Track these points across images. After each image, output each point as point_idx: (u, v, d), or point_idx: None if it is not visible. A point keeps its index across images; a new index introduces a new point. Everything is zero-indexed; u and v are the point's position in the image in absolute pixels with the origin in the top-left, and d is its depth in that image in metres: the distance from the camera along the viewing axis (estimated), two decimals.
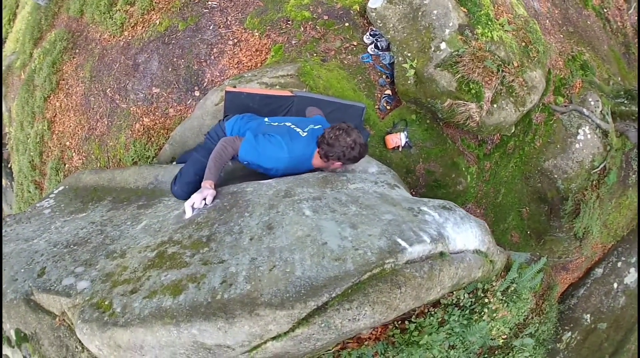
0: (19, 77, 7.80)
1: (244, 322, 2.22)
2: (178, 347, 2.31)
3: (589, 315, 7.24)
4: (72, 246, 3.42)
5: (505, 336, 3.54)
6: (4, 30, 8.93)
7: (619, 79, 8.09)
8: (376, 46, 5.98)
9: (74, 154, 6.83)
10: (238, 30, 6.21)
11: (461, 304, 3.10)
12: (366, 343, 2.82)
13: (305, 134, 3.70)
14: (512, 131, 6.25)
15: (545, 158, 6.67)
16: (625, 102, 7.18)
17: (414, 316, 2.93)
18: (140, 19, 6.63)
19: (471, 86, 5.41)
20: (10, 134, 8.16)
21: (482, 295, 3.25)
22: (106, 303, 2.55)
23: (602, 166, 6.70)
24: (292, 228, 2.79)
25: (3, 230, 4.04)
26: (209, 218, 3.10)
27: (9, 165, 8.21)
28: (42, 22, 7.77)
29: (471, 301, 3.17)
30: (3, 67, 8.30)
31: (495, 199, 6.75)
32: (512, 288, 3.58)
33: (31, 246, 3.56)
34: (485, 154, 6.50)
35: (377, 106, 5.91)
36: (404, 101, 5.92)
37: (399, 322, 2.93)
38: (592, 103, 6.81)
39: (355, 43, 6.02)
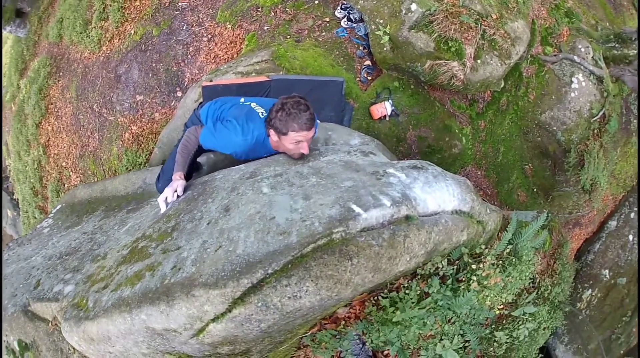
0: (11, 109, 7.73)
1: (182, 303, 2.07)
2: (136, 334, 2.24)
3: (607, 270, 6.73)
4: (64, 256, 3.49)
5: (502, 306, 3.03)
6: None
7: (607, 24, 7.50)
8: (349, 19, 5.62)
9: (71, 173, 6.76)
10: (211, 25, 6.02)
11: (441, 273, 2.60)
12: (343, 323, 2.44)
13: (265, 115, 3.26)
14: (502, 85, 5.77)
15: (542, 111, 6.13)
16: (616, 46, 6.63)
17: (385, 290, 2.47)
18: (116, 32, 6.48)
19: (450, 44, 4.97)
20: (10, 166, 8.13)
21: (471, 261, 2.73)
22: (84, 301, 2.54)
23: (601, 113, 6.16)
24: (246, 207, 2.44)
25: (6, 255, 4.16)
26: (178, 210, 2.90)
27: (14, 196, 8.13)
28: (25, 53, 7.71)
29: (454, 269, 2.66)
30: None
31: (495, 159, 6.25)
32: (509, 250, 3.10)
33: (29, 263, 3.65)
34: (477, 114, 6.03)
35: (358, 79, 5.57)
36: (384, 69, 5.54)
37: (375, 298, 2.50)
38: (582, 50, 6.28)
39: (327, 19, 5.70)
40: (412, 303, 2.38)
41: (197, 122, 3.65)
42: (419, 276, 2.52)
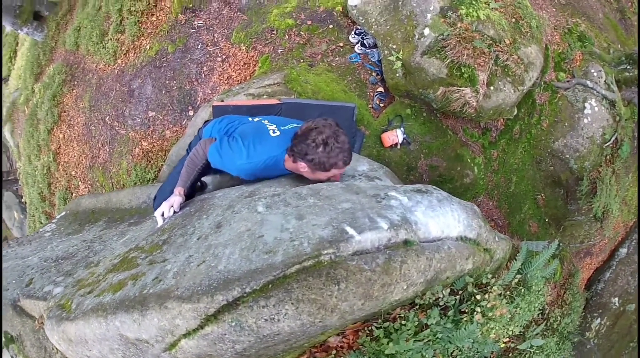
0: (24, 112, 7.72)
1: (154, 314, 1.98)
2: (110, 340, 2.18)
3: (617, 298, 6.60)
4: (60, 260, 3.49)
5: (509, 338, 2.89)
6: (5, 68, 8.92)
7: (619, 46, 7.49)
8: (363, 44, 5.56)
9: (79, 183, 6.72)
10: (225, 46, 5.98)
11: (442, 304, 2.43)
12: (334, 352, 2.28)
13: (277, 133, 3.03)
14: (515, 113, 5.68)
15: (554, 138, 6.03)
16: (628, 67, 6.58)
17: (380, 320, 2.31)
18: (132, 46, 6.45)
19: (463, 70, 4.88)
20: (19, 168, 8.13)
21: (475, 291, 2.58)
22: (68, 303, 2.51)
23: (613, 138, 6.08)
24: (238, 224, 2.32)
25: (5, 251, 4.23)
26: (173, 224, 2.83)
27: (22, 199, 8.14)
28: (41, 57, 7.69)
29: (456, 300, 2.50)
30: (8, 104, 8.28)
31: (507, 189, 6.13)
32: (517, 280, 2.94)
33: (25, 262, 3.66)
34: (490, 143, 5.91)
35: (370, 105, 5.48)
36: (396, 96, 5.46)
37: (370, 328, 2.32)
38: (595, 74, 6.20)
39: (341, 44, 5.64)
40: (409, 335, 2.23)
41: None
42: (418, 307, 2.36)
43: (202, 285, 1.95)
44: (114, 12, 6.61)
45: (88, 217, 4.67)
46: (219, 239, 2.29)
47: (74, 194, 6.72)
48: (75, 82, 7.00)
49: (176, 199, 3.01)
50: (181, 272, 2.13)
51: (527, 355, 3.14)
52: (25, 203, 8.04)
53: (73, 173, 6.81)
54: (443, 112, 5.41)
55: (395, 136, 5.28)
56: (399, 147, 5.36)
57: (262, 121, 3.19)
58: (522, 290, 2.96)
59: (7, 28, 8.12)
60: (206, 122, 3.69)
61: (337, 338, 2.34)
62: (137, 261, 2.54)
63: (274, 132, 3.02)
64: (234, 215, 2.50)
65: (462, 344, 2.36)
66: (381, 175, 3.37)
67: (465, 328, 2.40)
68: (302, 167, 2.80)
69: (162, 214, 2.97)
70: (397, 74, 5.17)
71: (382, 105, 5.54)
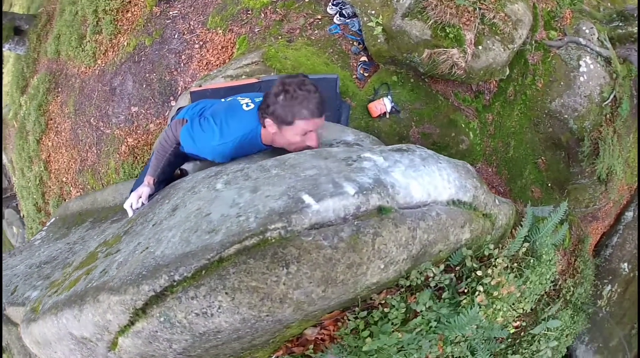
0: (14, 127, 7.36)
1: (89, 308, 1.63)
2: (65, 340, 1.85)
3: (626, 264, 6.00)
4: (42, 265, 3.25)
5: (518, 324, 2.35)
6: None
7: (608, 4, 6.88)
8: (342, 15, 5.00)
9: (71, 188, 6.34)
10: (202, 32, 5.49)
11: (434, 284, 1.87)
12: (313, 346, 1.77)
13: (251, 106, 2.51)
14: (507, 73, 5.11)
15: (551, 99, 5.47)
16: (620, 24, 6.00)
17: (357, 308, 1.74)
18: (110, 45, 6.00)
19: (448, 30, 4.33)
20: (14, 183, 7.75)
21: (476, 265, 2.01)
22: (39, 305, 2.17)
23: (612, 96, 5.52)
24: (192, 205, 1.82)
25: None
26: (140, 213, 2.44)
27: (21, 214, 7.75)
28: (25, 70, 7.31)
29: (452, 279, 1.94)
30: None
31: (506, 154, 5.53)
32: (525, 249, 2.39)
33: (13, 271, 3.44)
34: (484, 106, 5.33)
35: (354, 76, 4.94)
36: (380, 64, 4.90)
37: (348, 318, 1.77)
38: (587, 31, 5.64)
39: (319, 17, 5.10)
40: (395, 324, 1.67)
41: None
42: (404, 289, 1.79)
43: (132, 274, 1.55)
44: (89, 14, 6.16)
45: (75, 219, 4.34)
46: (170, 222, 1.82)
47: (66, 201, 6.25)
48: (60, 89, 6.59)
49: (144, 189, 2.63)
50: (124, 261, 1.74)
51: (540, 338, 2.58)
52: (24, 216, 7.67)
53: (64, 179, 6.42)
54: (431, 76, 4.85)
55: (383, 105, 4.73)
56: (387, 116, 4.81)
57: (236, 98, 2.68)
58: (531, 261, 2.39)
59: None
60: (179, 109, 3.16)
61: (314, 330, 1.80)
62: (98, 256, 2.24)
63: (247, 106, 2.51)
64: (192, 196, 2.00)
65: (463, 332, 1.75)
66: (367, 144, 2.87)
67: (465, 313, 1.80)
68: (270, 127, 2.30)
69: (132, 206, 2.63)
70: (379, 40, 4.61)
71: (366, 75, 5.00)
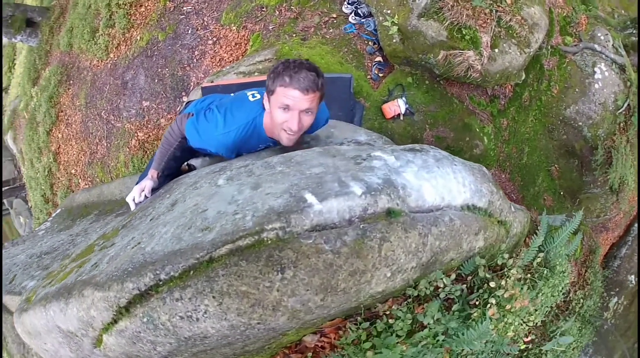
0: (24, 118, 7.30)
1: (74, 303, 1.51)
2: (54, 333, 1.73)
3: (633, 276, 5.88)
4: (43, 255, 3.13)
5: (530, 339, 2.19)
6: (5, 78, 8.51)
7: (622, 11, 6.80)
8: (357, 14, 4.87)
9: (80, 180, 6.25)
10: (216, 28, 5.39)
11: (444, 295, 1.71)
12: (311, 354, 1.62)
13: (257, 97, 2.39)
14: (523, 77, 4.95)
15: (566, 105, 5.34)
16: (634, 32, 5.89)
17: (360, 317, 1.58)
18: (122, 39, 5.91)
19: (464, 32, 4.20)
20: (23, 173, 7.67)
21: (489, 276, 1.85)
22: (33, 296, 2.04)
23: (626, 104, 5.39)
24: (191, 200, 1.68)
25: None
26: (141, 208, 2.31)
27: (29, 204, 7.69)
28: (37, 62, 7.23)
29: (463, 289, 1.78)
30: (9, 112, 7.89)
31: (519, 161, 5.39)
32: (540, 260, 2.21)
33: (13, 260, 3.32)
34: (499, 111, 5.19)
35: (369, 76, 4.81)
36: (395, 64, 4.77)
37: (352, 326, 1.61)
38: (602, 38, 5.54)
39: (334, 15, 4.97)
40: (400, 336, 1.52)
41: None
42: (411, 299, 1.63)
43: (119, 270, 1.42)
44: (102, 7, 6.07)
45: (81, 211, 4.21)
46: (167, 218, 1.68)
47: (73, 193, 6.19)
48: (71, 82, 6.50)
49: (147, 183, 2.51)
50: (115, 256, 1.61)
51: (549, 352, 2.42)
52: (31, 207, 7.60)
53: (73, 171, 6.33)
54: (446, 78, 4.71)
55: (397, 106, 4.60)
56: (402, 118, 4.67)
57: (243, 91, 2.55)
58: (545, 272, 2.23)
59: (4, 40, 7.68)
60: (188, 103, 3.07)
61: (314, 337, 1.66)
62: (94, 249, 2.10)
63: (253, 96, 2.39)
64: (193, 191, 1.88)
65: (472, 347, 1.60)
66: (379, 144, 2.72)
67: (476, 327, 1.64)
68: (265, 104, 2.17)
69: (134, 200, 2.49)
70: (394, 40, 4.47)
71: (381, 75, 4.86)
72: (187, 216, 1.51)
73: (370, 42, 4.89)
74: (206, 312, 1.24)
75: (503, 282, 1.81)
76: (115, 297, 1.34)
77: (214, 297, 1.22)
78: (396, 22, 4.39)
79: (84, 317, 1.47)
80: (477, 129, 4.99)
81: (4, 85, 8.52)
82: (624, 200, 5.81)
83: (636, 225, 6.27)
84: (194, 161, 3.25)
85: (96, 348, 1.55)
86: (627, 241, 6.14)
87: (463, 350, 1.70)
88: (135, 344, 1.42)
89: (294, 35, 4.94)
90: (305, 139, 2.84)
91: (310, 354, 1.65)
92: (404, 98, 4.66)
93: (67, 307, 1.55)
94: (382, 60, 4.87)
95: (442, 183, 1.65)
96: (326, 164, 1.63)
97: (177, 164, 2.75)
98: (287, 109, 2.05)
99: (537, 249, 2.25)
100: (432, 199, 1.58)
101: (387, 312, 1.56)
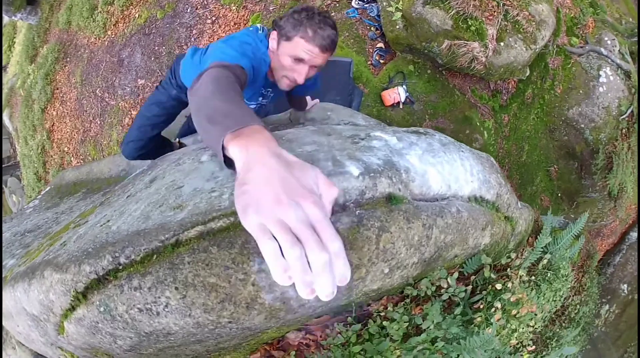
0: (21, 96, 7.05)
1: (36, 284, 1.26)
2: (23, 315, 1.49)
3: (626, 285, 5.75)
4: (26, 233, 2.76)
5: (534, 348, 1.94)
6: (5, 57, 8.26)
7: (630, 19, 6.56)
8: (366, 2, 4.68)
9: (72, 158, 5.99)
10: (215, 7, 5.13)
11: (446, 296, 1.47)
12: (295, 352, 1.44)
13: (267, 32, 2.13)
14: (527, 74, 4.75)
15: (569, 106, 5.16)
16: None
17: (351, 316, 1.34)
18: (121, 16, 5.64)
19: (470, 23, 4.01)
20: (18, 151, 7.44)
21: (494, 277, 1.62)
22: (9, 275, 1.73)
23: (629, 111, 5.22)
24: (170, 176, 1.38)
25: None
26: (121, 185, 1.94)
27: (22, 183, 7.46)
28: (35, 40, 6.97)
29: (467, 290, 1.54)
30: (6, 90, 7.63)
31: (519, 159, 5.22)
32: (545, 262, 2.00)
33: None
34: (501, 106, 5.00)
35: (369, 62, 4.63)
36: (397, 51, 4.58)
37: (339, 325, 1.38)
38: (609, 42, 5.37)
39: None
40: (395, 340, 1.29)
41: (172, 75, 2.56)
42: (409, 299, 1.39)
43: (79, 250, 1.17)
44: None
45: (69, 190, 4.00)
46: (142, 194, 1.42)
47: (63, 171, 5.99)
48: (68, 59, 6.25)
49: None
50: (83, 234, 1.34)
51: None
52: (24, 185, 7.35)
53: (66, 149, 6.08)
54: (449, 69, 4.50)
55: (397, 94, 4.41)
56: (401, 106, 4.50)
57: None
58: (549, 275, 2.02)
59: (5, 19, 7.40)
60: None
61: (297, 335, 1.44)
62: (69, 227, 1.80)
63: (262, 30, 2.16)
64: (174, 168, 1.58)
65: (473, 355, 1.36)
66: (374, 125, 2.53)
67: (478, 333, 1.41)
68: (272, 42, 1.95)
69: None
70: (397, 26, 4.27)
71: (382, 61, 4.67)
72: (161, 192, 1.27)
73: (372, 28, 4.70)
74: (167, 306, 1.01)
75: (509, 284, 1.59)
76: (73, 280, 1.11)
77: (176, 288, 0.99)
78: (400, 8, 4.19)
79: (44, 301, 1.25)
80: (478, 123, 4.80)
81: (3, 63, 8.27)
82: (621, 207, 5.66)
83: (632, 233, 6.12)
84: (185, 140, 3.06)
85: (60, 335, 1.32)
86: (621, 249, 6.00)
87: (460, 357, 1.48)
88: (94, 335, 1.18)
89: None
90: (299, 121, 2.66)
91: (293, 352, 1.44)
92: (404, 86, 4.47)
93: (29, 288, 1.31)
94: (383, 46, 4.68)
95: (448, 170, 1.42)
96: (320, 142, 1.40)
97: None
98: (299, 61, 1.91)
99: (542, 250, 2.05)
100: (437, 187, 1.35)
101: (381, 313, 1.33)
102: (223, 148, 0.95)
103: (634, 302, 5.68)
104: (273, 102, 2.55)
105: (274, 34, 1.93)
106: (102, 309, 1.08)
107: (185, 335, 1.10)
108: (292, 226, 0.74)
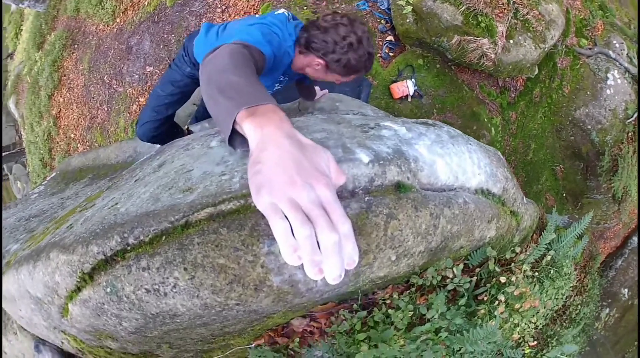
0: (27, 82, 7.07)
1: (41, 266, 1.26)
2: (26, 298, 1.49)
3: (626, 290, 5.74)
4: (31, 218, 2.79)
5: (535, 343, 1.92)
6: (12, 44, 8.27)
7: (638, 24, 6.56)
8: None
9: (78, 145, 6.00)
10: None
11: (451, 287, 1.48)
12: (299, 339, 1.42)
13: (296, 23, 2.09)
14: (536, 72, 4.76)
15: (576, 106, 5.17)
16: None
17: (356, 303, 1.35)
18: (130, 4, 5.63)
19: (480, 19, 4.01)
20: (24, 138, 7.46)
21: (498, 270, 1.63)
22: (13, 259, 1.73)
23: (635, 115, 5.24)
24: (179, 161, 1.40)
25: None
26: (129, 169, 2.00)
27: (27, 170, 7.48)
28: (43, 27, 6.96)
29: (472, 282, 1.55)
30: (13, 77, 7.65)
31: (525, 157, 5.22)
32: (549, 259, 2.01)
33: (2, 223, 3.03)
34: (509, 103, 4.99)
35: (379, 54, 4.61)
36: (407, 45, 4.58)
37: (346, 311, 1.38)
38: (617, 45, 5.39)
39: None
40: (400, 328, 1.30)
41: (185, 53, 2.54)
42: (414, 288, 1.40)
43: (87, 231, 1.17)
44: None
45: (75, 175, 4.00)
46: (150, 178, 1.44)
47: (69, 156, 6.00)
48: (76, 46, 6.24)
49: None
50: (91, 216, 1.34)
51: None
52: (30, 172, 7.37)
53: (72, 135, 6.09)
54: (458, 64, 4.51)
55: (406, 87, 4.42)
56: (409, 99, 4.50)
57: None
58: (552, 272, 2.03)
59: (12, 6, 7.39)
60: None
61: (302, 321, 1.45)
62: (76, 211, 1.82)
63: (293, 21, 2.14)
64: (183, 153, 1.59)
65: (476, 348, 1.37)
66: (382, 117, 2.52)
67: (481, 326, 1.42)
68: (316, 65, 1.99)
69: None
70: (408, 20, 4.28)
71: (391, 54, 4.67)
72: (170, 176, 1.28)
73: (382, 21, 4.69)
74: (175, 286, 1.02)
75: (514, 278, 1.60)
76: (79, 261, 1.12)
77: (185, 269, 1.00)
78: (411, 1, 4.21)
79: (49, 282, 1.26)
80: (485, 119, 4.80)
81: (10, 50, 8.27)
82: (625, 210, 5.66)
83: (634, 238, 6.10)
84: (193, 127, 3.08)
85: (64, 318, 1.35)
86: (623, 253, 5.98)
87: (462, 349, 1.49)
88: (99, 317, 1.20)
89: (305, 7, 4.72)
90: (309, 110, 2.68)
91: (297, 339, 1.45)
92: (413, 80, 4.48)
93: (34, 270, 1.32)
94: (393, 39, 4.67)
95: (456, 161, 1.43)
96: (329, 130, 1.40)
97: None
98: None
99: (546, 247, 2.06)
100: (445, 178, 1.36)
101: (388, 301, 1.34)
102: (234, 122, 0.95)
103: (634, 307, 5.68)
104: (283, 89, 2.54)
105: (318, 62, 1.96)
106: (108, 290, 1.09)
107: (192, 317, 1.11)
108: (304, 206, 0.75)
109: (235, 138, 1.00)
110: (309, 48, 1.95)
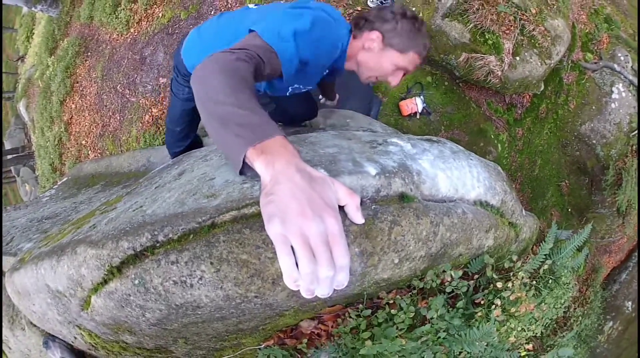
0: (39, 87, 7.22)
1: (66, 260, 1.40)
2: (43, 293, 1.63)
3: (630, 303, 5.74)
4: (44, 220, 3.00)
5: (531, 346, 2.02)
6: (23, 47, 8.47)
7: None
8: (382, 2, 4.77)
9: (89, 152, 6.14)
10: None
11: (449, 290, 1.62)
12: (307, 340, 1.52)
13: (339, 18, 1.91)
14: (542, 88, 4.86)
15: (581, 121, 5.24)
16: None
17: (361, 305, 1.49)
18: (144, 15, 5.80)
19: (487, 36, 4.13)
20: (33, 142, 7.61)
21: (495, 277, 1.76)
22: (27, 256, 1.91)
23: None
24: (199, 170, 1.57)
25: None
26: (147, 177, 2.13)
27: (36, 173, 7.63)
28: (56, 32, 7.14)
29: (469, 287, 1.69)
30: (24, 80, 7.82)
31: (531, 172, 5.31)
32: (546, 268, 2.14)
33: (13, 223, 3.21)
34: (515, 120, 5.10)
35: None
36: None
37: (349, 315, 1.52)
38: (622, 58, 5.45)
39: (359, 9, 4.81)
40: (402, 329, 1.44)
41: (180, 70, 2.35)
42: (416, 291, 1.54)
43: (115, 229, 1.33)
44: None
45: (87, 181, 4.15)
46: (172, 185, 1.58)
47: (81, 163, 6.14)
48: (89, 54, 6.41)
49: None
50: (115, 218, 1.49)
51: None
52: (38, 175, 7.52)
53: (83, 142, 6.23)
54: (466, 81, 4.63)
55: (415, 104, 4.53)
56: (418, 116, 4.61)
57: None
58: (550, 281, 2.15)
59: (24, 9, 7.57)
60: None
61: (310, 323, 1.58)
62: (95, 213, 1.94)
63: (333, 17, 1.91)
64: (202, 163, 1.74)
65: (472, 349, 1.51)
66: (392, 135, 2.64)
67: (479, 327, 1.56)
68: (370, 41, 1.88)
69: None
70: None
71: None
72: (193, 183, 1.43)
73: None
74: (202, 278, 1.16)
75: (510, 284, 1.74)
76: (109, 255, 1.26)
77: (211, 263, 1.14)
78: None
79: (74, 275, 1.39)
80: (492, 136, 4.91)
81: (21, 53, 8.46)
82: (629, 224, 5.67)
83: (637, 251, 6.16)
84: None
85: (83, 310, 1.48)
86: (627, 267, 5.98)
87: (461, 351, 1.62)
88: (123, 308, 1.34)
89: None
90: (320, 126, 2.80)
91: (305, 340, 1.58)
92: (422, 97, 4.59)
93: (58, 264, 1.46)
94: None
95: (457, 175, 1.57)
96: (341, 145, 1.56)
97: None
98: (399, 70, 1.95)
99: (544, 256, 2.18)
100: (445, 190, 1.51)
101: (391, 302, 1.47)
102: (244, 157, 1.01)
103: (636, 321, 5.70)
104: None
105: (375, 36, 1.86)
106: (137, 282, 1.23)
107: (213, 308, 1.26)
108: (312, 240, 0.84)
109: (245, 167, 1.06)
110: (365, 23, 1.88)
